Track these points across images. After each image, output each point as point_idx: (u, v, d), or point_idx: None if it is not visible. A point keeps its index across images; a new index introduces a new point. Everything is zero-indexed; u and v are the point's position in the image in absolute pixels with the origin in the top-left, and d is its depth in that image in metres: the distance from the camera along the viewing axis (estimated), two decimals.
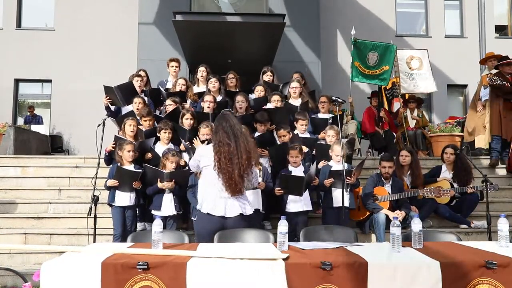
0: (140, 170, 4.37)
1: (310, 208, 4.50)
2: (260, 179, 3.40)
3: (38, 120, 11.04)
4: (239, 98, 5.41)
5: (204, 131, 4.48)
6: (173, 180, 4.27)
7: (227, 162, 3.03)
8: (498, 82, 6.42)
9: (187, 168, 4.52)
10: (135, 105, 5.37)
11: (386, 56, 7.04)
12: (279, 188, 4.32)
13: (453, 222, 5.12)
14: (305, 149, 4.80)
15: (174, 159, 4.38)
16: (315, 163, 4.83)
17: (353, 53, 6.92)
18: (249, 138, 3.27)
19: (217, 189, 3.11)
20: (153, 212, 4.39)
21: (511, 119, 6.40)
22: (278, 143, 4.98)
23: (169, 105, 5.36)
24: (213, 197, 3.13)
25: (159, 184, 4.27)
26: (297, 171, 4.48)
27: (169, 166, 4.36)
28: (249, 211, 3.19)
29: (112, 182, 4.27)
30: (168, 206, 4.31)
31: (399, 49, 7.39)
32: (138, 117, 5.10)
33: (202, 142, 4.39)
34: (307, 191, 4.45)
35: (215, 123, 3.22)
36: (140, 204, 4.55)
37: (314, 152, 5.10)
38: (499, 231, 2.64)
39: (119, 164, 4.39)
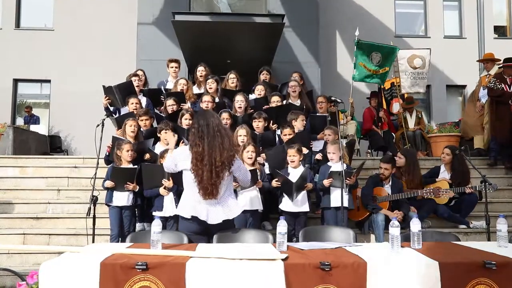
0: (136, 167, 4.35)
1: (307, 209, 4.44)
2: (250, 176, 3.26)
3: (35, 120, 11.01)
4: (238, 98, 5.38)
5: None
6: (171, 179, 4.24)
7: (198, 163, 2.88)
8: (491, 85, 6.45)
9: None
10: (132, 106, 5.34)
11: (389, 58, 7.06)
12: (277, 180, 4.29)
13: (452, 223, 5.13)
14: (305, 150, 4.79)
15: None
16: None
17: (357, 53, 6.91)
18: (228, 137, 3.01)
19: (195, 192, 2.95)
20: (154, 213, 4.31)
21: (504, 122, 6.40)
22: (278, 143, 4.97)
23: (172, 105, 5.36)
24: (191, 202, 2.98)
25: (161, 191, 4.22)
26: (295, 172, 4.38)
27: None
28: (233, 215, 3.06)
29: (108, 184, 4.26)
30: (168, 206, 4.27)
31: (400, 49, 7.38)
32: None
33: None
34: (305, 192, 4.40)
35: (193, 121, 3.01)
36: (138, 205, 4.54)
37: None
38: (498, 231, 2.65)
39: (116, 164, 4.38)
